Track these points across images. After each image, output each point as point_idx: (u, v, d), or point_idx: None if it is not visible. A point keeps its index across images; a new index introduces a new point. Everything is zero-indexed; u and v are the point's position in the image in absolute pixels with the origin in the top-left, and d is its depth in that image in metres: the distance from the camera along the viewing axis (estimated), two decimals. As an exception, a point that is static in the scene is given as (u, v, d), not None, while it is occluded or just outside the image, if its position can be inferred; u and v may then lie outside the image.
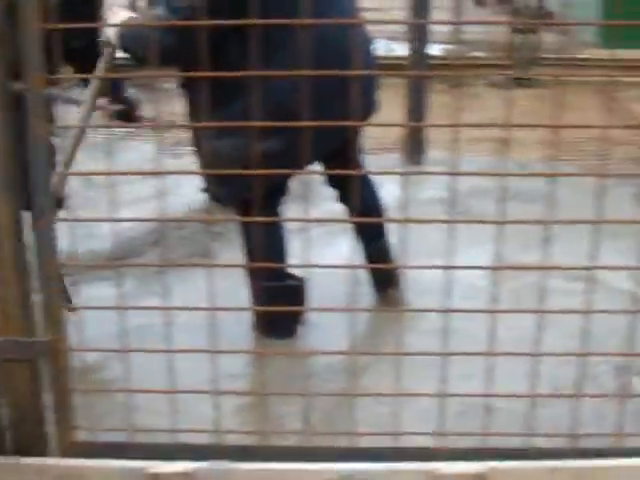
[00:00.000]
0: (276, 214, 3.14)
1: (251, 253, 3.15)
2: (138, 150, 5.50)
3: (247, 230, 3.13)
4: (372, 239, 3.40)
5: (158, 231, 4.38)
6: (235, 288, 3.32)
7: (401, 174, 2.01)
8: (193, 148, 3.14)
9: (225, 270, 2.12)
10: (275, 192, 3.10)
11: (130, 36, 2.92)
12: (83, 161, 2.10)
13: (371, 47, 3.24)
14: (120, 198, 2.97)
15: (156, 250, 4.18)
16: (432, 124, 5.84)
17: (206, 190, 3.23)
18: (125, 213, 2.79)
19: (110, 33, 2.99)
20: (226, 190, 3.01)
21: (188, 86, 3.03)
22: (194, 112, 3.01)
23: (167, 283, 3.51)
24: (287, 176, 3.05)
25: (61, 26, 1.95)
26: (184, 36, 2.45)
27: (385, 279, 3.46)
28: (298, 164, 2.57)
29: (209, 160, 2.93)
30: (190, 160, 5.63)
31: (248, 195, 2.85)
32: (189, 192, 4.90)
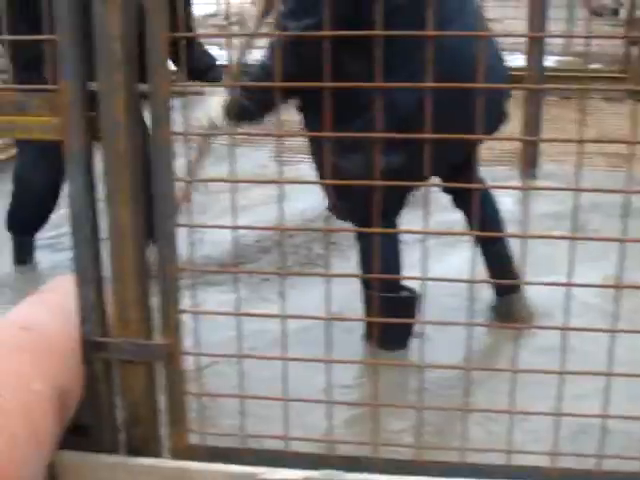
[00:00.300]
0: (394, 225, 3.12)
1: (367, 264, 3.14)
2: (249, 157, 5.56)
3: (364, 241, 3.12)
4: (491, 242, 3.36)
5: (271, 238, 4.42)
6: (346, 297, 3.32)
7: (522, 189, 1.97)
8: (315, 167, 3.12)
9: (337, 279, 2.11)
10: (395, 205, 3.08)
11: (241, 104, 2.90)
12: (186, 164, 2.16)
13: (502, 58, 3.18)
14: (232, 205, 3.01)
15: (268, 257, 4.21)
16: (556, 139, 5.75)
17: (331, 210, 3.22)
18: (236, 220, 2.82)
19: (214, 114, 2.99)
20: (349, 208, 2.98)
21: (306, 107, 3.01)
22: (314, 131, 3.00)
23: (280, 290, 3.55)
24: (408, 191, 3.01)
25: (187, 35, 1.99)
26: (299, 58, 2.45)
27: (506, 284, 3.40)
28: (420, 178, 2.54)
29: (332, 178, 2.92)
30: (304, 168, 5.68)
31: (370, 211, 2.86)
32: (302, 200, 4.93)
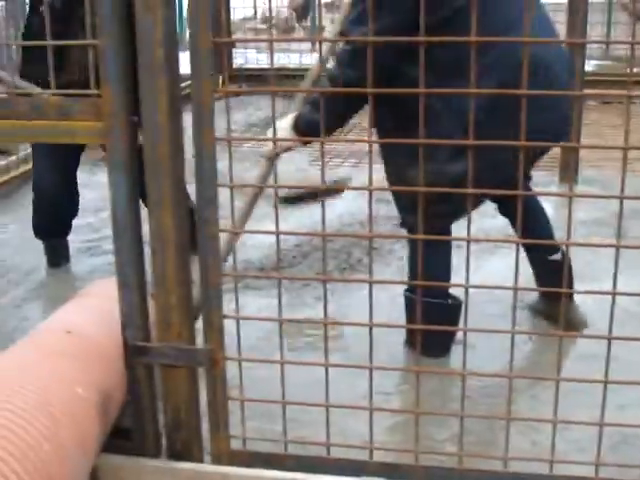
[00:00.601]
0: (448, 233, 3.08)
1: (416, 269, 3.09)
2: (288, 161, 5.55)
3: (416, 247, 3.08)
4: (543, 251, 3.34)
5: (310, 243, 4.42)
6: (386, 303, 3.31)
7: (566, 196, 1.95)
8: (386, 177, 3.10)
9: (377, 284, 2.10)
10: (457, 214, 3.05)
11: (308, 120, 2.89)
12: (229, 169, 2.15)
13: (569, 64, 3.12)
14: (271, 209, 3.01)
15: (308, 262, 4.21)
16: (600, 145, 5.71)
17: (403, 224, 3.19)
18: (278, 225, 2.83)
19: (283, 134, 2.97)
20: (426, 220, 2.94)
21: (376, 117, 2.99)
22: (384, 138, 2.98)
23: (319, 295, 3.55)
24: (476, 200, 2.96)
25: (230, 40, 1.99)
26: (363, 65, 2.44)
27: (555, 293, 3.21)
28: (491, 186, 2.50)
29: (400, 187, 2.89)
30: (342, 172, 5.66)
31: (439, 224, 2.86)
32: (339, 204, 4.93)
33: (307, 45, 10.03)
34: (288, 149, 3.05)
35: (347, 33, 2.72)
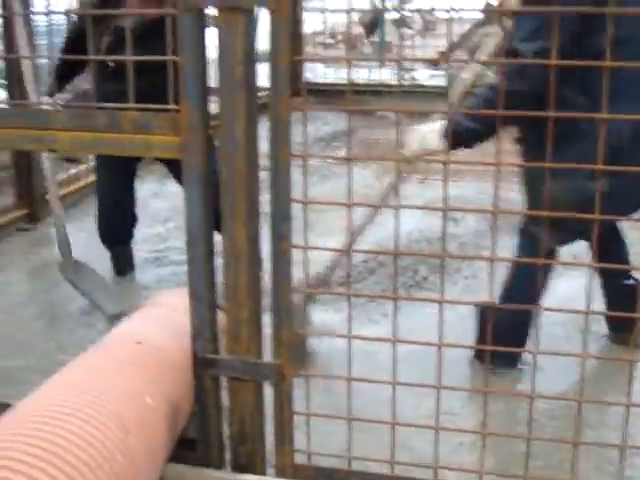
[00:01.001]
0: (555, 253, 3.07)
1: (512, 285, 3.07)
2: (355, 174, 5.56)
3: (519, 263, 3.07)
4: (616, 276, 3.29)
5: (376, 259, 4.41)
6: (453, 322, 3.29)
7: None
8: (524, 189, 3.09)
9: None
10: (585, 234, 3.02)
11: (466, 126, 2.84)
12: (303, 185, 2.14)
13: None
14: (338, 223, 3.02)
15: (374, 278, 4.21)
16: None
17: (524, 231, 3.16)
18: (342, 239, 2.83)
19: (428, 138, 2.97)
20: (553, 234, 2.90)
21: (526, 131, 2.99)
22: (528, 153, 2.99)
23: (384, 311, 3.55)
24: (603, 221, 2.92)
25: (310, 59, 2.00)
26: (527, 80, 2.45)
27: (624, 320, 3.10)
28: (629, 208, 2.46)
29: (538, 203, 2.88)
30: (409, 188, 5.65)
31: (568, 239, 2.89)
32: (407, 221, 4.92)
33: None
34: (431, 153, 3.04)
35: (518, 50, 2.73)
